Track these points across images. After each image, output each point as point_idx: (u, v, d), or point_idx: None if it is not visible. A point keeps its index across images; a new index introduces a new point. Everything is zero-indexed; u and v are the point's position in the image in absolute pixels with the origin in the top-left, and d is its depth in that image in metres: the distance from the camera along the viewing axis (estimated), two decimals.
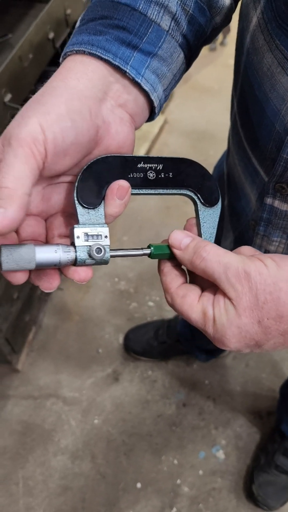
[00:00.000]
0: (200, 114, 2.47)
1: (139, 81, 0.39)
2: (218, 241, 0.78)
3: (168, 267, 0.42)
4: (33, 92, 1.14)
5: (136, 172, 0.40)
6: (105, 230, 0.38)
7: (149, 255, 0.41)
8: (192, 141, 2.30)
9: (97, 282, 1.73)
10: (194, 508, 1.30)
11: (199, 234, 0.43)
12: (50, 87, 0.36)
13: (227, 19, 0.48)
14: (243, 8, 0.47)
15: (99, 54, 0.37)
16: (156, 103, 0.42)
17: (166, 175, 0.41)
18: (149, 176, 0.40)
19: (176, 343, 1.48)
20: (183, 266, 0.42)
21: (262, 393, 1.50)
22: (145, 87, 0.40)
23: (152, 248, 0.41)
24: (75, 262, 0.37)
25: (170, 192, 0.42)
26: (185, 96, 2.56)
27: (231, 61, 2.31)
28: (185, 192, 0.42)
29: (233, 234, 0.68)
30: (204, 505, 1.30)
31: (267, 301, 0.35)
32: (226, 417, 1.45)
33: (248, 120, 0.49)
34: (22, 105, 0.97)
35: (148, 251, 0.41)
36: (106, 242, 0.38)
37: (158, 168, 0.41)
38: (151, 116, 0.44)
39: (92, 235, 0.37)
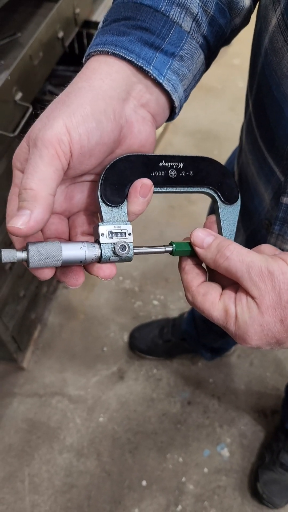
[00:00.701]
0: (204, 114, 2.47)
1: (161, 81, 0.40)
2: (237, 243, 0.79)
3: (189, 265, 0.42)
4: (43, 90, 1.14)
5: (158, 171, 0.40)
6: (128, 228, 0.39)
7: (171, 253, 0.41)
8: (196, 140, 2.31)
9: (102, 281, 1.74)
10: (199, 506, 1.30)
11: (220, 232, 0.43)
12: (76, 88, 0.36)
13: (246, 20, 0.49)
14: (261, 9, 0.48)
15: (122, 54, 0.38)
16: (177, 103, 0.43)
17: (187, 173, 0.41)
18: (171, 174, 0.41)
19: (181, 342, 1.49)
20: (203, 264, 0.43)
21: (267, 392, 1.51)
22: (166, 87, 0.40)
23: (174, 245, 0.41)
24: (100, 259, 0.38)
25: (191, 190, 0.42)
26: (189, 96, 2.57)
27: (235, 61, 2.33)
28: (205, 190, 0.43)
29: (244, 233, 0.69)
30: (209, 503, 1.31)
31: None
32: (231, 416, 1.46)
33: (265, 120, 0.49)
34: (32, 103, 0.97)
35: (170, 248, 0.41)
36: (130, 239, 0.38)
37: (179, 166, 0.41)
38: (171, 116, 0.45)
39: (116, 233, 0.38)
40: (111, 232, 0.38)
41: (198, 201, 1.98)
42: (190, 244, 0.41)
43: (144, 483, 1.33)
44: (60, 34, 1.12)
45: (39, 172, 0.32)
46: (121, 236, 0.38)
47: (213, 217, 0.44)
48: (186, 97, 0.46)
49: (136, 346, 1.54)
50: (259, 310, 0.37)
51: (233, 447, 1.40)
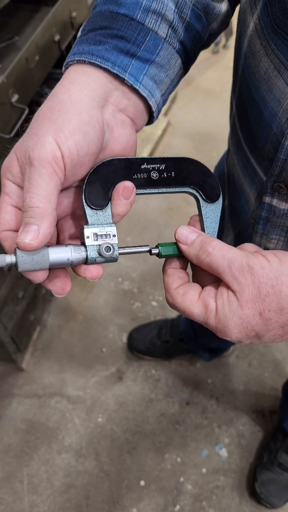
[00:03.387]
0: (203, 116, 2.48)
1: (137, 87, 0.41)
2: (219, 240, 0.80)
3: (172, 268, 0.43)
4: (39, 93, 1.15)
5: (140, 173, 0.42)
6: (113, 230, 0.40)
7: (158, 255, 0.42)
8: (195, 142, 2.32)
9: (101, 282, 1.75)
10: (197, 505, 1.31)
11: (202, 229, 0.44)
12: (57, 102, 0.38)
13: (224, 25, 0.50)
14: (240, 13, 0.49)
15: (98, 63, 0.39)
16: (154, 108, 0.44)
17: (169, 174, 0.43)
18: (153, 176, 0.42)
19: (179, 342, 1.50)
20: (188, 266, 0.44)
21: (265, 392, 1.51)
22: (143, 93, 0.41)
23: (160, 248, 0.42)
24: (86, 261, 0.39)
25: (173, 191, 0.44)
26: (188, 99, 2.58)
27: None
28: (187, 190, 0.44)
29: (233, 232, 0.70)
30: (207, 503, 1.31)
31: (269, 294, 0.37)
32: (229, 416, 1.46)
33: (247, 122, 0.50)
34: (28, 105, 0.98)
35: (156, 250, 0.42)
36: (115, 240, 0.40)
37: (160, 168, 0.42)
38: (150, 120, 0.46)
39: (101, 235, 0.39)
40: (96, 235, 0.39)
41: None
42: (176, 244, 0.42)
43: (142, 483, 1.34)
44: (57, 37, 1.14)
45: (41, 190, 0.35)
46: (106, 238, 0.39)
47: (196, 217, 0.45)
48: (165, 101, 0.47)
49: (135, 347, 1.55)
50: (239, 303, 0.37)
51: (231, 447, 1.41)
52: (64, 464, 1.36)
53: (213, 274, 0.41)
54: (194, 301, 0.40)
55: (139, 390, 1.50)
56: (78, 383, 1.51)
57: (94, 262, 0.39)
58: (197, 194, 0.44)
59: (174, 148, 2.28)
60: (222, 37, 2.76)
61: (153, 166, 0.42)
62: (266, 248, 0.56)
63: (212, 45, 2.80)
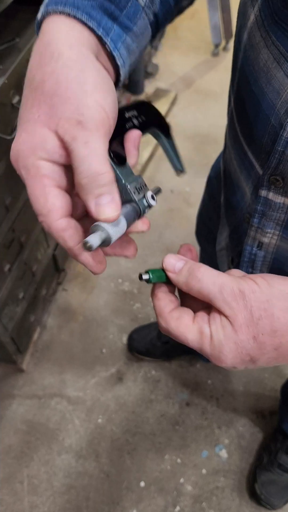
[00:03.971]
0: (203, 118, 2.49)
1: (115, 55, 0.39)
2: (214, 236, 0.80)
3: (161, 292, 0.43)
4: None
5: (128, 122, 0.42)
6: (141, 179, 0.41)
7: (147, 281, 0.43)
8: (195, 144, 2.33)
9: (101, 283, 1.75)
10: (197, 506, 1.31)
11: (170, 158, 0.47)
12: (69, 60, 0.34)
13: (191, 3, 0.51)
14: (241, 6, 0.49)
15: (84, 20, 0.36)
16: (122, 78, 0.42)
17: (141, 118, 0.43)
18: (135, 122, 0.43)
19: (179, 343, 1.49)
20: (176, 293, 0.44)
21: (265, 393, 1.51)
22: (118, 62, 0.40)
23: (150, 274, 0.42)
24: (140, 215, 0.40)
25: (147, 132, 0.45)
26: (189, 100, 2.59)
27: None
28: (154, 130, 0.46)
29: (228, 228, 0.70)
30: (207, 504, 1.31)
31: (261, 317, 0.37)
32: (229, 417, 1.46)
33: (245, 115, 0.50)
34: None
35: (147, 276, 0.42)
36: (148, 189, 0.41)
37: (135, 114, 0.43)
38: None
39: (138, 188, 0.40)
40: (135, 188, 0.39)
41: (196, 204, 1.99)
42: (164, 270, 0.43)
43: (142, 484, 1.34)
44: None
45: (103, 154, 0.33)
46: (142, 189, 0.40)
47: (187, 246, 0.45)
48: (126, 75, 0.46)
49: (135, 348, 1.55)
50: (233, 328, 0.37)
51: (231, 448, 1.41)
52: (64, 465, 1.36)
53: (202, 300, 0.40)
54: (189, 326, 0.39)
55: (139, 391, 1.51)
56: (78, 384, 1.51)
57: (144, 214, 0.40)
58: (160, 133, 0.46)
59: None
60: (222, 39, 2.77)
61: (131, 113, 0.43)
62: (260, 243, 0.56)
63: (212, 47, 2.81)
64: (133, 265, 1.79)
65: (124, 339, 1.61)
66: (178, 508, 1.30)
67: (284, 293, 0.38)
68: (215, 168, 0.84)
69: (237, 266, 0.64)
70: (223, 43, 2.85)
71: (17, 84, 0.97)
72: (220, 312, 0.39)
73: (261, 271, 0.59)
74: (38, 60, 0.35)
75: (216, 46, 2.79)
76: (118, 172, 0.38)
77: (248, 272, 0.54)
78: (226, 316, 0.38)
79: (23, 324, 1.44)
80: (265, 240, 0.55)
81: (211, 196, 0.87)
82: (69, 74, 0.34)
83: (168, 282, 0.43)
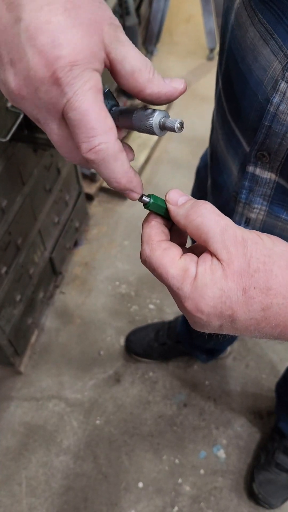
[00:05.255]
0: (200, 122, 2.51)
1: None
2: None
3: (157, 221, 0.39)
4: None
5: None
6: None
7: (146, 205, 0.39)
8: (191, 147, 2.34)
9: (98, 286, 1.76)
10: (195, 507, 1.31)
11: None
12: None
13: None
14: (222, 8, 0.51)
15: None
16: None
17: None
18: None
19: (176, 344, 1.50)
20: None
21: (262, 393, 1.51)
22: None
23: (151, 199, 0.38)
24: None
25: None
26: (185, 104, 2.61)
27: None
28: None
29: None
30: (205, 504, 1.31)
31: (259, 270, 0.34)
32: (227, 417, 1.47)
33: (232, 93, 0.51)
34: None
35: (147, 199, 0.38)
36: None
37: None
38: None
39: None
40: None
41: None
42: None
43: (140, 484, 1.34)
44: None
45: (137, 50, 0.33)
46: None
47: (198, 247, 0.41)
48: None
49: (132, 350, 1.55)
50: (223, 273, 0.34)
51: (229, 448, 1.41)
52: (62, 467, 1.37)
53: (194, 247, 0.37)
54: (175, 259, 0.35)
55: (137, 392, 1.51)
56: (76, 386, 1.52)
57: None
58: None
59: (171, 153, 2.30)
60: (217, 44, 2.80)
61: None
62: (248, 219, 0.57)
63: (208, 52, 2.84)
64: (130, 268, 1.80)
65: (122, 341, 1.62)
66: (176, 508, 1.30)
67: (286, 253, 0.35)
68: (203, 158, 0.85)
69: None
70: (218, 47, 2.87)
71: None
72: (213, 255, 0.35)
73: None
74: None
75: (211, 50, 2.81)
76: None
77: None
78: (219, 260, 0.34)
79: (21, 327, 1.45)
80: (253, 216, 0.56)
81: (199, 187, 0.89)
82: None
83: (167, 218, 0.39)
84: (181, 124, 0.35)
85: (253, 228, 0.57)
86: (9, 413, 1.46)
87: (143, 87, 0.33)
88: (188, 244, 0.42)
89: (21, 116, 0.97)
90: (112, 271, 1.80)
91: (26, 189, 1.26)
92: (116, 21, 0.32)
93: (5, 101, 0.96)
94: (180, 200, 0.38)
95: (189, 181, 2.13)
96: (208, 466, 1.38)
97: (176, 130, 0.34)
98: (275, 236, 0.37)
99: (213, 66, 2.86)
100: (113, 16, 0.32)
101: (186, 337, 1.42)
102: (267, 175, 0.50)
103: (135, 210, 1.97)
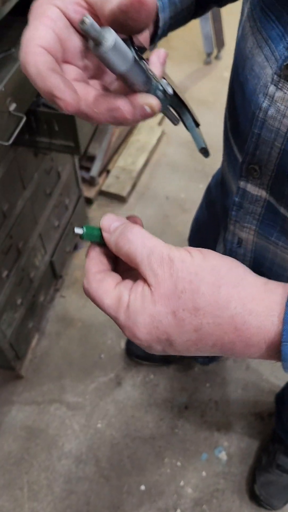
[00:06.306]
0: None
1: None
2: (207, 244, 0.81)
3: (94, 251, 0.39)
4: (36, 103, 1.17)
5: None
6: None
7: (81, 236, 0.39)
8: (189, 151, 2.35)
9: None
10: (197, 509, 1.31)
11: (195, 137, 0.47)
12: None
13: None
14: (242, 4, 0.51)
15: None
16: (161, 23, 0.42)
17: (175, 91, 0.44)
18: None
19: None
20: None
21: (263, 395, 1.52)
22: (157, 2, 0.39)
23: (84, 229, 0.39)
24: (150, 88, 0.37)
25: (174, 107, 0.46)
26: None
27: (226, 74, 2.39)
28: (181, 108, 0.47)
29: (223, 232, 0.71)
30: (207, 506, 1.31)
31: (185, 290, 0.33)
32: (228, 419, 1.47)
33: (234, 109, 0.50)
34: (26, 114, 1.00)
35: (80, 231, 0.39)
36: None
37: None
38: (154, 35, 0.44)
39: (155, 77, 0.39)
40: (152, 74, 0.37)
41: (191, 210, 2.01)
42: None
43: (142, 487, 1.34)
44: None
45: None
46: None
47: (133, 218, 0.42)
48: (169, 28, 0.45)
49: (133, 353, 1.56)
50: (152, 298, 0.34)
51: (230, 450, 1.41)
52: (64, 471, 1.37)
53: (135, 269, 0.37)
54: (109, 290, 0.36)
55: (138, 395, 1.51)
56: (77, 389, 1.52)
57: (155, 93, 0.37)
58: (187, 112, 0.48)
59: (169, 156, 2.31)
60: (214, 48, 2.82)
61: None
62: (240, 239, 0.55)
63: (205, 56, 2.85)
64: None
65: (123, 344, 1.62)
66: (178, 510, 1.30)
67: (216, 269, 0.34)
68: (215, 178, 0.85)
69: None
70: (215, 52, 2.89)
71: (14, 92, 0.99)
72: (145, 281, 0.35)
73: None
74: None
75: (208, 55, 2.83)
76: (136, 57, 0.33)
77: None
78: (149, 285, 0.34)
79: (22, 331, 1.45)
80: (243, 235, 0.55)
81: (209, 204, 0.88)
82: None
83: (104, 245, 0.39)
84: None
85: (245, 251, 0.56)
86: (10, 417, 1.46)
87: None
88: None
89: (23, 120, 0.97)
90: None
91: (27, 193, 1.26)
92: None
93: (8, 104, 0.97)
94: (112, 226, 0.38)
95: (187, 184, 2.15)
96: (210, 468, 1.38)
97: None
98: (209, 250, 0.36)
99: (210, 70, 2.88)
100: None
101: None
102: (258, 192, 0.49)
103: (134, 214, 1.97)
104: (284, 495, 1.28)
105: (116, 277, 0.38)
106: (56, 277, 1.69)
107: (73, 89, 0.30)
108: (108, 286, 0.36)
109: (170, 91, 0.38)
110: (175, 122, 0.46)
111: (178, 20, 0.48)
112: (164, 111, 0.41)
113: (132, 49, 0.33)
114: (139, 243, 0.35)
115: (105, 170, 2.10)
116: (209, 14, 2.65)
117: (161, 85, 0.37)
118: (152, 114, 0.34)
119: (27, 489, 1.34)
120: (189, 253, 0.35)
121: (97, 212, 2.01)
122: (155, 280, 0.34)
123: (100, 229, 0.39)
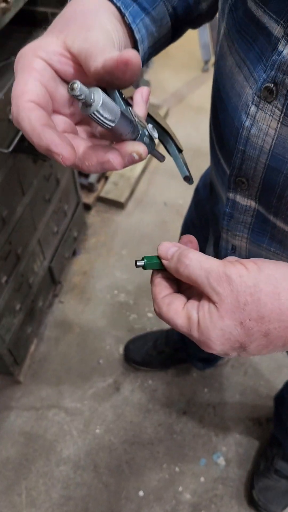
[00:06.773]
0: (195, 133, 2.54)
1: (133, 27, 0.42)
2: (203, 249, 0.83)
3: (158, 278, 0.43)
4: None
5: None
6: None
7: (143, 267, 0.43)
8: (187, 158, 2.34)
9: (97, 295, 1.77)
10: None
11: (179, 165, 0.49)
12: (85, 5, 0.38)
13: (211, 12, 0.54)
14: (217, 22, 0.53)
15: None
16: (140, 54, 0.45)
17: (156, 124, 0.48)
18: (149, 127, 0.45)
19: (174, 353, 1.51)
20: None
21: (261, 400, 1.52)
22: (136, 36, 0.43)
23: (145, 260, 0.43)
24: (138, 135, 0.39)
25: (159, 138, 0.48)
26: (180, 115, 2.65)
27: None
28: (165, 137, 0.49)
29: (213, 236, 0.72)
30: None
31: (247, 302, 0.36)
32: (226, 425, 1.47)
33: (217, 122, 0.52)
34: None
35: (142, 263, 0.43)
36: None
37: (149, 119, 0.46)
38: None
39: (141, 123, 0.41)
40: (139, 121, 0.39)
41: None
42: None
43: (141, 493, 1.34)
44: None
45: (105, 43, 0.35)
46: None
47: (187, 237, 0.45)
48: (149, 56, 0.48)
49: (131, 358, 1.56)
50: (219, 314, 0.37)
51: (229, 455, 1.41)
52: (62, 476, 1.37)
53: (196, 287, 0.40)
54: (179, 311, 0.40)
55: (136, 401, 1.51)
56: (75, 395, 1.52)
57: (141, 139, 0.39)
58: (170, 141, 0.51)
59: (167, 163, 2.31)
60: (211, 56, 2.85)
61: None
62: (233, 246, 0.57)
63: (202, 64, 2.88)
64: (128, 277, 1.82)
65: (121, 349, 1.62)
66: None
67: (272, 278, 0.37)
68: (203, 179, 0.87)
69: None
70: (212, 59, 2.92)
71: None
72: (209, 299, 0.38)
73: None
74: (64, 9, 0.39)
75: (206, 62, 2.86)
76: (124, 106, 0.36)
77: None
78: (213, 302, 0.38)
79: (20, 336, 1.46)
80: (237, 243, 0.57)
81: (197, 204, 0.90)
82: (87, 6, 0.38)
83: (164, 269, 0.43)
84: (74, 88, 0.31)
85: (240, 256, 0.58)
86: (8, 423, 1.46)
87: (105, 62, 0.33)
88: None
89: None
90: (111, 280, 1.81)
91: (26, 199, 1.28)
92: (89, 33, 0.35)
93: (8, 112, 0.98)
94: (169, 252, 0.42)
95: (185, 191, 2.16)
96: (208, 473, 1.38)
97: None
98: (262, 260, 0.39)
99: (208, 78, 2.90)
100: (90, 31, 0.35)
101: (182, 345, 1.43)
102: (247, 202, 0.50)
103: (132, 220, 1.99)
104: (283, 500, 1.28)
105: (182, 298, 0.41)
106: (55, 283, 1.70)
107: (68, 143, 0.32)
108: (177, 308, 0.40)
109: (155, 135, 0.41)
110: (161, 159, 0.48)
111: (157, 48, 0.50)
112: (151, 152, 0.43)
113: (118, 96, 0.35)
114: (196, 267, 0.39)
115: (103, 177, 2.12)
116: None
117: (147, 130, 0.40)
118: (140, 160, 0.37)
119: (25, 495, 1.34)
120: (244, 267, 0.38)
121: (95, 218, 2.02)
122: (218, 298, 0.37)
123: (158, 257, 0.43)
